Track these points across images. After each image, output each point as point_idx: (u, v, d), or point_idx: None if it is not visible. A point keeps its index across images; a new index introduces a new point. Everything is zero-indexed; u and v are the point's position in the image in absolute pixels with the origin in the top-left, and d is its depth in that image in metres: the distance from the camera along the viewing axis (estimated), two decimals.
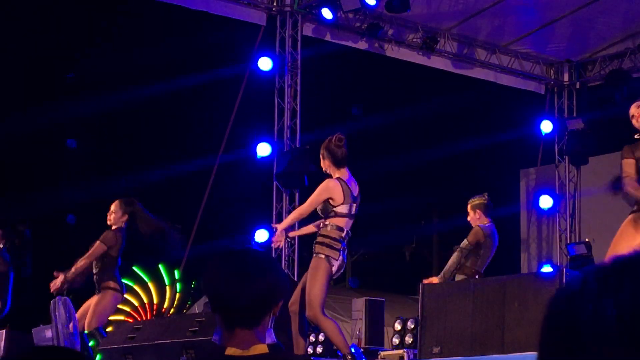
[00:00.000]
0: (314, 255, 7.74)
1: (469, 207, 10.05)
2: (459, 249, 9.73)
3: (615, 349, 0.97)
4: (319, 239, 7.76)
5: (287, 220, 8.18)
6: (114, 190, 9.85)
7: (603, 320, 1.00)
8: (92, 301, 9.51)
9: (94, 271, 9.51)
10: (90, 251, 9.44)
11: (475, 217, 9.91)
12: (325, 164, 7.83)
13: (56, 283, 9.40)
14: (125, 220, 9.58)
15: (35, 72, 22.58)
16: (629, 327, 0.97)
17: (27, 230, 10.33)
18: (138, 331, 8.53)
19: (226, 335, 2.60)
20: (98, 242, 9.47)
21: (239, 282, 2.57)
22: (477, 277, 9.61)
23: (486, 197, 10.05)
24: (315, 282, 7.63)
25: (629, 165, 6.88)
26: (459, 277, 9.73)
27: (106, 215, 9.76)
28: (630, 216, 6.78)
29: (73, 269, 9.42)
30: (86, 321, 9.39)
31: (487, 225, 9.87)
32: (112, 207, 9.64)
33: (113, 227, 9.58)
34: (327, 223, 7.76)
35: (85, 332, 9.35)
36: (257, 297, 2.56)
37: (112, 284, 9.45)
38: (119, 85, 21.10)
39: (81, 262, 9.42)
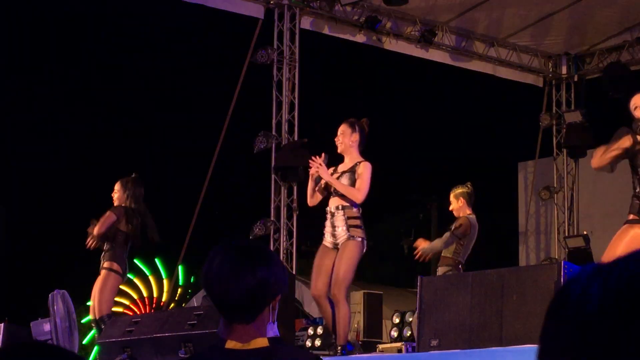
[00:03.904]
0: (350, 238, 7.96)
1: (451, 196, 9.98)
2: (451, 232, 9.71)
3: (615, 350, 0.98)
4: (351, 221, 8.00)
5: (337, 182, 8.13)
6: (113, 186, 9.85)
7: (603, 322, 1.00)
8: (97, 286, 9.51)
9: (105, 248, 9.53)
10: (101, 220, 9.46)
11: (458, 206, 9.86)
12: (353, 138, 8.13)
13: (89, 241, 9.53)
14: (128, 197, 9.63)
15: (36, 70, 22.57)
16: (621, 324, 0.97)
17: None
18: (136, 324, 8.53)
19: (226, 328, 2.60)
20: (108, 211, 9.52)
21: (230, 277, 2.55)
22: (460, 267, 9.62)
23: (469, 186, 9.99)
24: (350, 264, 7.94)
25: (626, 140, 6.69)
26: (441, 270, 9.69)
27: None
28: (625, 226, 6.71)
29: (95, 231, 9.48)
30: (96, 308, 9.41)
31: (471, 216, 9.83)
32: (115, 187, 9.72)
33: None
34: (349, 204, 8.04)
35: (96, 318, 9.39)
36: (249, 292, 2.54)
37: (115, 265, 9.47)
38: (116, 80, 21.09)
39: (96, 229, 9.44)
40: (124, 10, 20.35)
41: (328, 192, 8.18)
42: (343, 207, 8.04)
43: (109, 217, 9.51)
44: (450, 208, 9.98)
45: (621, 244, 6.60)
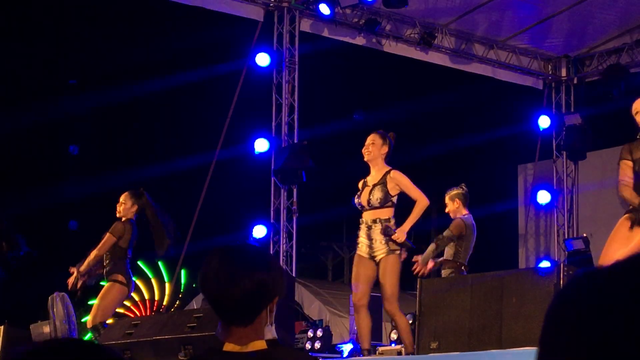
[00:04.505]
0: (389, 252, 8.10)
1: (446, 198, 10.05)
2: (437, 238, 9.78)
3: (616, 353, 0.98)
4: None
5: (412, 220, 8.24)
6: (113, 186, 9.84)
7: (601, 325, 1.00)
8: (100, 294, 9.50)
9: (105, 263, 9.50)
10: (100, 243, 9.44)
11: (454, 208, 9.91)
12: (383, 150, 8.25)
13: (71, 279, 9.41)
14: (135, 211, 9.57)
15: (37, 72, 22.58)
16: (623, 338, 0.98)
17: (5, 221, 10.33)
18: (136, 327, 8.53)
19: (224, 331, 2.60)
20: (108, 233, 9.47)
21: (227, 280, 2.55)
22: (462, 268, 9.66)
23: (464, 187, 10.06)
24: (395, 278, 8.12)
25: (625, 167, 6.86)
26: (445, 273, 9.74)
27: (105, 213, 9.75)
28: (624, 216, 6.78)
29: (85, 263, 9.42)
30: (91, 315, 9.39)
31: (466, 216, 9.88)
32: (121, 199, 9.64)
33: (123, 219, 9.57)
34: (387, 217, 8.17)
35: (89, 326, 9.36)
36: (246, 294, 2.54)
37: (119, 277, 9.42)
38: (115, 83, 21.08)
39: (92, 255, 9.42)
40: (122, 12, 20.34)
41: (361, 205, 8.28)
42: (380, 221, 8.15)
43: (108, 240, 9.46)
44: (447, 210, 10.04)
45: (617, 239, 6.66)
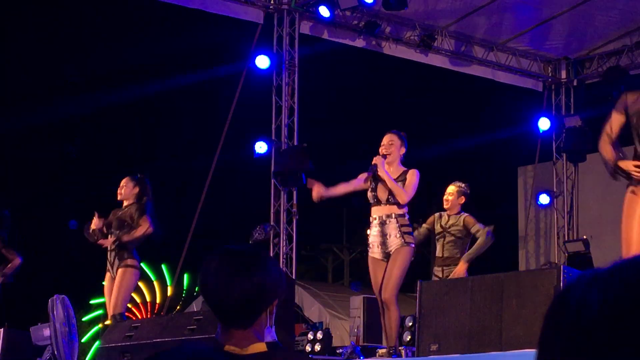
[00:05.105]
0: (404, 244, 8.08)
1: (454, 188, 9.97)
2: (488, 234, 9.77)
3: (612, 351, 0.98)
4: (405, 229, 8.13)
5: (388, 179, 8.15)
6: (114, 187, 9.82)
7: (603, 325, 1.00)
8: (114, 283, 9.43)
9: (111, 247, 9.45)
10: (138, 229, 9.36)
11: (457, 202, 9.88)
12: (401, 151, 8.24)
13: (98, 224, 9.38)
14: (137, 192, 9.55)
15: (36, 72, 22.57)
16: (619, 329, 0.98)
17: (7, 211, 10.35)
18: (136, 330, 8.53)
19: (224, 334, 2.60)
20: (142, 223, 9.37)
21: (226, 282, 2.55)
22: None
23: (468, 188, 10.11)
24: (403, 270, 8.11)
25: (614, 118, 6.38)
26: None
27: (105, 213, 9.74)
28: (629, 190, 6.49)
29: (126, 238, 9.35)
30: (112, 303, 9.37)
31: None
32: (122, 182, 9.61)
33: (125, 202, 9.56)
34: (402, 212, 8.13)
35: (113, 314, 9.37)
36: (245, 297, 2.53)
37: (130, 261, 9.41)
38: (116, 85, 21.10)
39: (126, 237, 9.35)
40: (123, 14, 20.35)
41: (377, 200, 8.19)
42: (396, 216, 8.13)
43: (142, 229, 9.39)
44: (447, 198, 9.95)
45: (634, 220, 6.40)
